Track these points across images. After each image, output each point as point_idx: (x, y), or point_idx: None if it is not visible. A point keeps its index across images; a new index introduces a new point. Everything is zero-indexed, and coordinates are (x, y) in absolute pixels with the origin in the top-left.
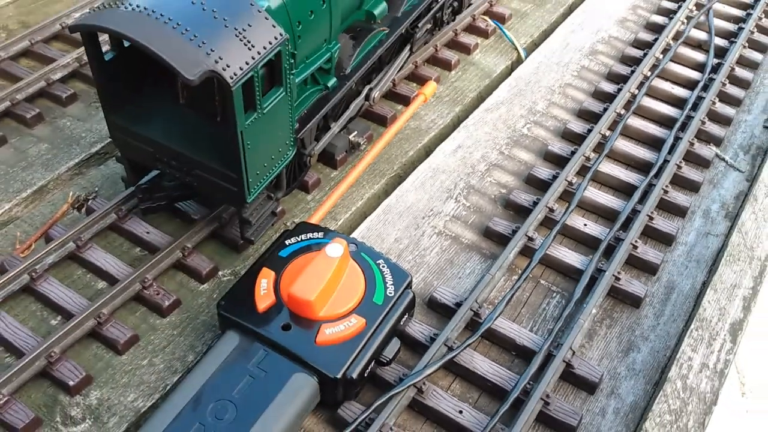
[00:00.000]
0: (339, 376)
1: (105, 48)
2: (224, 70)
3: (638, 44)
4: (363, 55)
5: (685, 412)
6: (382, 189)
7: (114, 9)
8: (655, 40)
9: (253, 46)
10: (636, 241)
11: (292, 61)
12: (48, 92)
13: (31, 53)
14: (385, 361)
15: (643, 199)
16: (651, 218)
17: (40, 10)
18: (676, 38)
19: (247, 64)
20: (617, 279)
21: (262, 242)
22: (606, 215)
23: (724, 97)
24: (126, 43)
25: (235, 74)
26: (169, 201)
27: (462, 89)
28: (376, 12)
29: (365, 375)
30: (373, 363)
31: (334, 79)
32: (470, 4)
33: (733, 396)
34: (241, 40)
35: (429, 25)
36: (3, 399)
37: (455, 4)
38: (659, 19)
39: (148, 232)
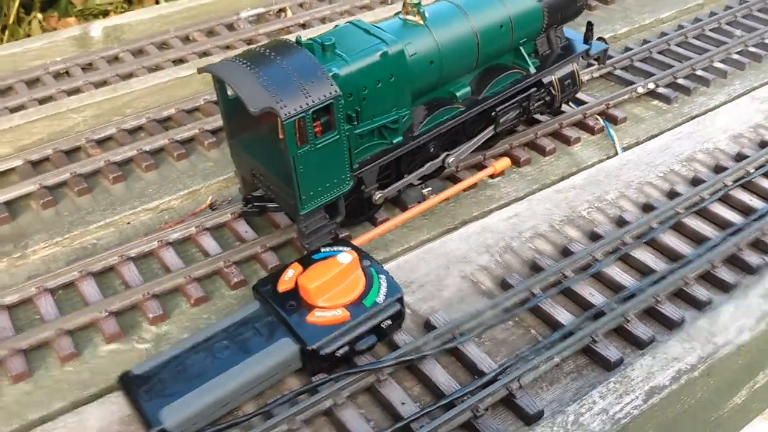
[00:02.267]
0: (314, 347)
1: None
2: (281, 108)
3: (739, 158)
4: (433, 124)
5: None
6: (437, 236)
7: (233, 62)
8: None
9: (309, 96)
10: (629, 315)
11: (353, 114)
12: None
13: None
14: (358, 351)
15: (657, 283)
16: (657, 301)
17: None
18: None
19: (301, 107)
20: (594, 341)
21: None
22: (617, 291)
23: None
24: None
25: (289, 113)
26: (263, 210)
27: (547, 172)
28: (458, 93)
29: (337, 355)
30: (347, 348)
31: (400, 138)
32: (566, 103)
33: None
34: (302, 91)
35: (515, 112)
36: (105, 314)
37: (547, 98)
38: None
39: (246, 231)
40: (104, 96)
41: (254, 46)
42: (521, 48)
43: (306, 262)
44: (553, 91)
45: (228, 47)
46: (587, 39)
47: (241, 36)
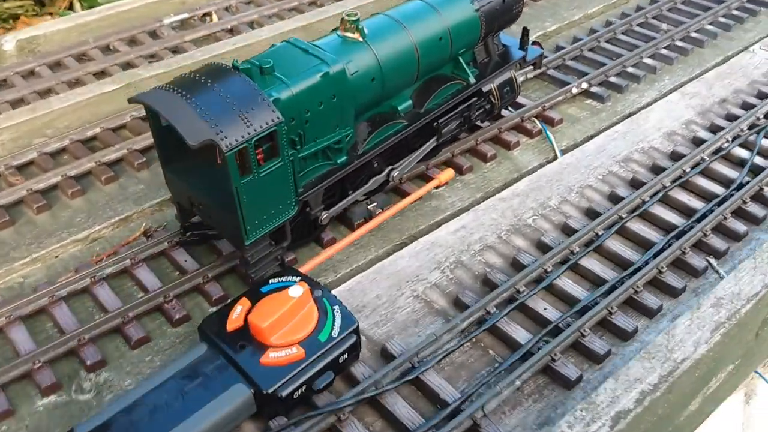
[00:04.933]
0: (270, 391)
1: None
2: (222, 140)
3: (675, 156)
4: (377, 141)
5: None
6: (385, 253)
7: (166, 90)
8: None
9: (250, 125)
10: (584, 330)
11: (296, 138)
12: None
13: None
14: (315, 389)
15: (609, 294)
16: (610, 312)
17: None
18: (716, 153)
19: (243, 137)
20: (553, 360)
21: None
22: (570, 303)
23: (742, 214)
24: None
25: (230, 144)
26: (203, 238)
27: (490, 179)
28: (400, 107)
29: (294, 397)
30: (305, 388)
31: (345, 157)
32: (505, 108)
33: None
34: (242, 120)
35: (457, 122)
36: (38, 365)
37: (487, 107)
38: (706, 135)
39: (185, 261)
40: (22, 118)
41: (188, 72)
42: (460, 58)
43: (254, 296)
44: (493, 100)
45: (153, 56)
46: (523, 45)
47: (167, 44)
